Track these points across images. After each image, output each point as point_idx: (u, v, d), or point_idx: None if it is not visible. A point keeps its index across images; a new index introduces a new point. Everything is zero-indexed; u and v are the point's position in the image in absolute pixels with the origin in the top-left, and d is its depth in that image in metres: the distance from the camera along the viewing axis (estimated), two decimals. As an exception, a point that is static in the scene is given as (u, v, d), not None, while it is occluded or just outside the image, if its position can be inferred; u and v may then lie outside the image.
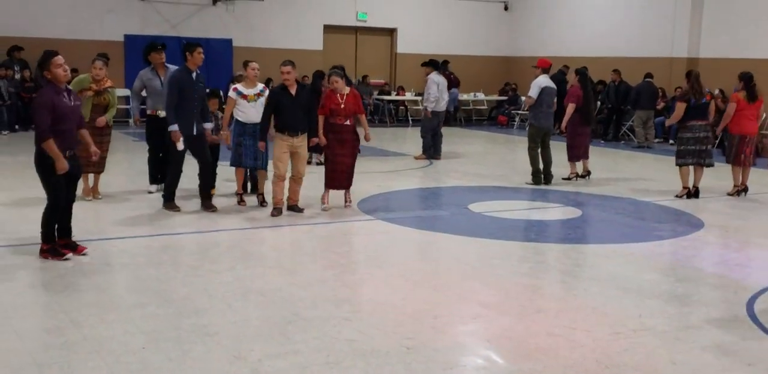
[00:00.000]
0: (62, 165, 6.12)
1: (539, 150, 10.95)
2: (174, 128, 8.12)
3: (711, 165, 10.11)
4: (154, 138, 9.11)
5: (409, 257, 7.08)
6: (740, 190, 10.47)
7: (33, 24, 17.07)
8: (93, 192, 9.00)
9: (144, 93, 9.28)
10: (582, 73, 11.60)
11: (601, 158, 14.30)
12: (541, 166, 10.99)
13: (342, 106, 8.52)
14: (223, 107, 9.08)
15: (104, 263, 6.42)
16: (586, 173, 11.65)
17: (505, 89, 21.91)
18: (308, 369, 4.34)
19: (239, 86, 8.66)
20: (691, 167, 10.12)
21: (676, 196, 10.19)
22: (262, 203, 8.77)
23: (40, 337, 4.69)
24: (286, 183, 8.42)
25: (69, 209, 6.50)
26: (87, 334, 4.74)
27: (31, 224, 7.45)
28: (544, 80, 11.05)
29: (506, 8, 22.85)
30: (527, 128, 11.00)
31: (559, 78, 17.14)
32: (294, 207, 8.49)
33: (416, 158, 13.57)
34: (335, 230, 7.86)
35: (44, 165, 6.19)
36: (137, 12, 18.30)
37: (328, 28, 20.61)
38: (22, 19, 16.97)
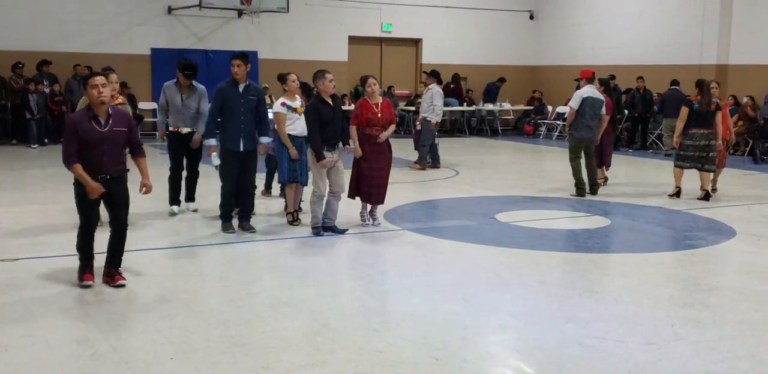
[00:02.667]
0: (92, 189, 5.79)
1: (581, 161, 10.76)
2: (211, 142, 7.85)
3: (711, 171, 10.40)
4: (175, 155, 8.84)
5: (436, 267, 7.04)
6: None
7: (62, 38, 17.30)
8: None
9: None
10: (605, 82, 11.53)
11: (629, 167, 14.17)
12: (585, 177, 10.78)
13: (379, 115, 8.20)
14: None
15: (133, 274, 6.44)
16: (604, 180, 11.64)
17: (532, 99, 21.83)
18: (337, 380, 4.31)
19: (287, 100, 8.33)
20: (689, 171, 10.49)
21: (669, 195, 10.57)
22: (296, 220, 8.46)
23: (69, 348, 4.71)
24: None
25: (117, 235, 6.13)
26: (116, 345, 4.75)
27: (59, 235, 7.53)
28: (587, 91, 10.70)
29: (532, 17, 22.80)
30: (567, 139, 10.81)
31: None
32: (334, 228, 8.05)
33: (411, 166, 13.50)
34: (362, 240, 7.83)
35: (76, 189, 5.94)
36: (164, 25, 18.49)
37: (353, 40, 20.69)
38: (51, 34, 17.21)
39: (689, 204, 10.16)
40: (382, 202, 8.45)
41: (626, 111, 18.05)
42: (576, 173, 10.73)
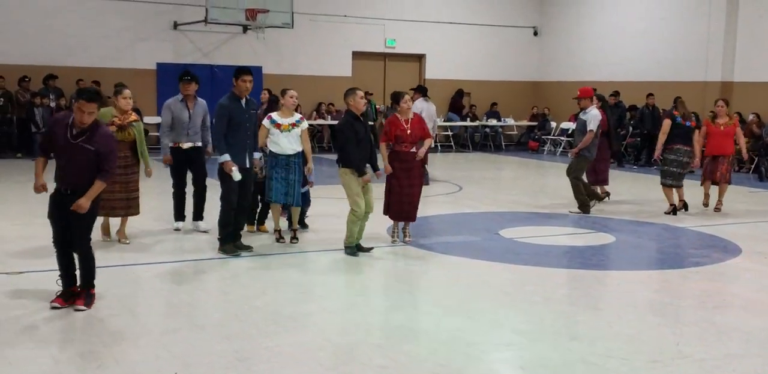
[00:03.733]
0: (35, 183, 5.73)
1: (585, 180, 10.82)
2: (226, 158, 7.44)
3: (680, 186, 10.69)
4: (177, 172, 8.69)
5: (440, 283, 7.02)
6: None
7: (68, 53, 17.40)
8: (120, 236, 8.12)
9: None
10: (602, 98, 11.57)
11: (634, 184, 14.15)
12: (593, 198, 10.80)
13: (408, 132, 8.06)
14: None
15: (136, 288, 6.43)
16: (606, 195, 11.64)
17: (534, 115, 21.87)
18: (340, 396, 4.28)
19: (274, 115, 8.13)
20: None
21: (665, 213, 10.64)
22: (293, 239, 8.25)
23: (74, 361, 4.69)
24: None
25: (78, 254, 5.80)
26: (120, 358, 4.74)
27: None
28: (596, 111, 10.59)
29: (536, 33, 22.89)
30: (575, 158, 10.61)
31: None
32: (359, 246, 7.84)
33: None
34: (366, 256, 7.81)
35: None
36: (170, 40, 18.59)
37: (357, 55, 20.78)
38: (57, 49, 17.31)
39: (694, 221, 10.14)
40: (412, 219, 8.31)
41: (630, 128, 18.06)
42: (578, 192, 10.62)
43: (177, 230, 8.77)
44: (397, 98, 8.33)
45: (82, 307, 5.67)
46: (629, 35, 20.03)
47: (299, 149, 8.11)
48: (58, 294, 5.78)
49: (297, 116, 8.23)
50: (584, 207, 10.64)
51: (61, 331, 5.32)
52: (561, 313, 6.03)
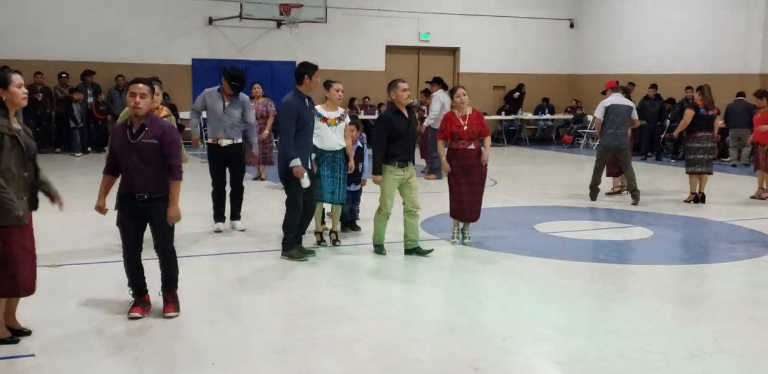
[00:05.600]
0: (97, 204, 5.44)
1: (601, 170, 10.94)
2: (297, 162, 6.95)
3: (710, 173, 10.92)
4: (215, 170, 8.38)
5: (475, 277, 7.00)
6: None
7: (105, 49, 17.58)
8: None
9: (204, 114, 8.51)
10: (625, 89, 11.69)
11: (672, 177, 13.96)
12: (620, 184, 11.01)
13: (465, 128, 7.69)
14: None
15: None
16: (622, 188, 11.69)
17: (573, 108, 21.65)
18: (376, 389, 4.30)
19: (319, 108, 7.65)
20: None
21: (685, 201, 10.88)
22: (335, 241, 7.89)
23: (111, 352, 4.77)
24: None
25: (161, 260, 5.49)
26: (158, 349, 4.80)
27: (102, 242, 7.63)
28: (609, 99, 10.93)
29: (572, 25, 22.65)
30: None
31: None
32: (418, 249, 7.46)
33: (428, 177, 13.19)
34: (400, 250, 7.80)
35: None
36: (205, 36, 18.71)
37: (391, 49, 20.73)
38: (95, 45, 17.49)
39: (733, 215, 9.99)
40: (472, 220, 8.00)
41: (668, 121, 17.81)
42: (593, 178, 10.95)
43: (218, 231, 8.45)
44: (452, 92, 8.01)
45: (174, 314, 5.40)
46: (667, 27, 19.73)
47: (344, 144, 7.79)
48: (133, 303, 5.45)
49: (340, 109, 7.88)
50: (590, 191, 10.98)
51: (95, 322, 5.35)
52: (597, 307, 5.99)
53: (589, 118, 20.84)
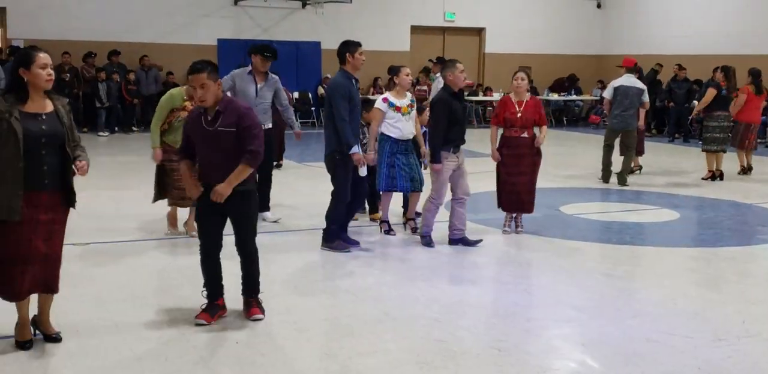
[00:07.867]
0: (188, 189, 5.03)
1: (611, 149, 10.85)
2: (356, 149, 6.54)
3: (724, 151, 11.26)
4: None
5: (499, 259, 6.97)
6: (745, 169, 11.78)
7: (130, 29, 17.61)
8: (188, 228, 7.29)
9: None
10: (637, 70, 11.81)
11: (700, 159, 13.77)
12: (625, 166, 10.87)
13: (518, 115, 7.35)
14: None
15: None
16: (638, 168, 11.82)
17: (599, 89, 21.41)
18: (398, 369, 4.31)
19: (390, 96, 7.23)
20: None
21: (703, 178, 11.23)
22: (415, 230, 7.47)
23: (138, 331, 4.81)
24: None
25: (242, 259, 5.15)
26: (184, 331, 4.83)
27: (129, 221, 7.69)
28: (619, 80, 10.82)
29: (599, 6, 22.35)
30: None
31: (651, 77, 16.64)
32: (465, 239, 7.14)
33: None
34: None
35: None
36: (230, 16, 18.69)
37: (416, 29, 20.60)
38: (120, 25, 17.53)
39: (762, 197, 9.86)
40: (525, 210, 7.67)
41: (695, 102, 17.56)
42: (603, 158, 10.88)
43: (264, 220, 7.98)
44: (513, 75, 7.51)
45: (261, 316, 5.02)
46: (695, 7, 19.41)
47: (415, 132, 7.42)
48: (204, 307, 5.03)
49: (408, 95, 7.39)
50: (602, 173, 10.92)
51: (124, 302, 5.41)
52: (622, 290, 5.95)
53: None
